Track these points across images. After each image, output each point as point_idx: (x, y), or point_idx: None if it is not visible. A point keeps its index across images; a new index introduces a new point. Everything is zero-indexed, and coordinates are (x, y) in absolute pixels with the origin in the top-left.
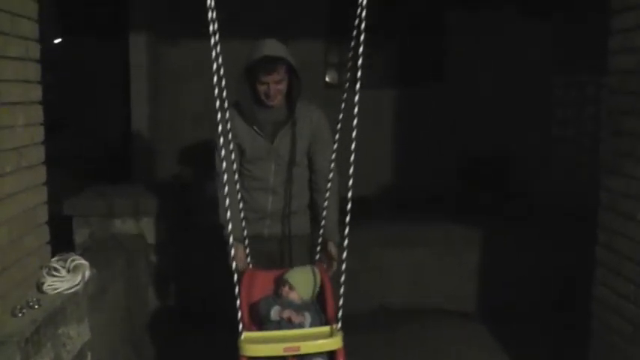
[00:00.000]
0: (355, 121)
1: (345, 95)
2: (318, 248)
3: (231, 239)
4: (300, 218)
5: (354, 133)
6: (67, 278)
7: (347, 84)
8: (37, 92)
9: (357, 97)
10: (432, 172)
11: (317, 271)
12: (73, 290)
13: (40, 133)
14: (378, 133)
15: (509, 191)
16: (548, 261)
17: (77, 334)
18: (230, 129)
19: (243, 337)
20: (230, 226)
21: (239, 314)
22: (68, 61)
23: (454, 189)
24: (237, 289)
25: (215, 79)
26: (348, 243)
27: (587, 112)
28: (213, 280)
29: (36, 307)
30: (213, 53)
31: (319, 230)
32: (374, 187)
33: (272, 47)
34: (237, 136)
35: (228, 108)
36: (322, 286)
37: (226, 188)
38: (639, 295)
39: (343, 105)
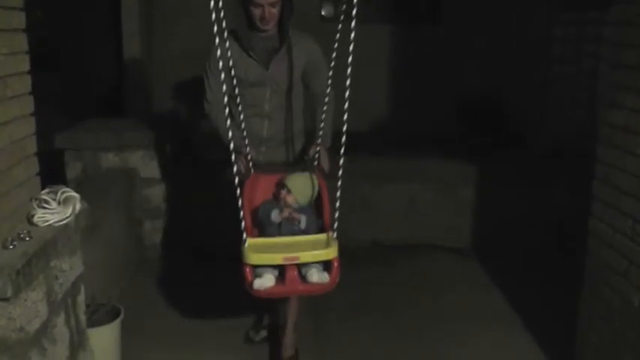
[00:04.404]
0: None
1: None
2: (316, 157)
3: (231, 146)
4: (296, 144)
5: (349, 59)
6: (57, 210)
7: (342, 17)
8: (19, 19)
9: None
10: (427, 110)
11: (315, 178)
12: (64, 222)
13: (25, 62)
14: (372, 69)
15: (505, 131)
16: (542, 200)
17: (70, 267)
18: (222, 57)
19: (247, 244)
20: (230, 135)
21: (242, 224)
22: None
23: (449, 128)
24: (239, 202)
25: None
26: (342, 174)
27: (587, 49)
28: (206, 214)
29: (27, 239)
30: None
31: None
32: (367, 123)
33: None
34: (233, 62)
35: (227, 36)
36: (319, 193)
37: (226, 111)
38: (636, 229)
39: (338, 36)
